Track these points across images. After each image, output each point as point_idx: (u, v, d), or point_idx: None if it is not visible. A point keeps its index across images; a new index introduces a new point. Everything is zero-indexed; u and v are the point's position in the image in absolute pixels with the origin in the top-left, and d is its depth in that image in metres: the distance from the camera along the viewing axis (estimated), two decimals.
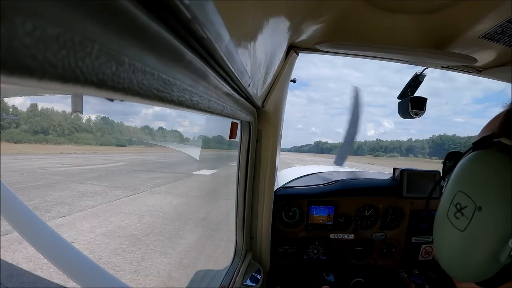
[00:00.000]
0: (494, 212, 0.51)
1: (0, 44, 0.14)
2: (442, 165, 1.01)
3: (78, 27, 0.18)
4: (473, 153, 0.60)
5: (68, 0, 0.17)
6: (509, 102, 0.63)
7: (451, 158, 0.80)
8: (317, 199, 1.90)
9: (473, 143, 0.63)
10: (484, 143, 0.59)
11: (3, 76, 0.15)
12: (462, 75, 1.46)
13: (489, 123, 0.67)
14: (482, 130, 0.68)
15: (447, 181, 0.66)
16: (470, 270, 0.55)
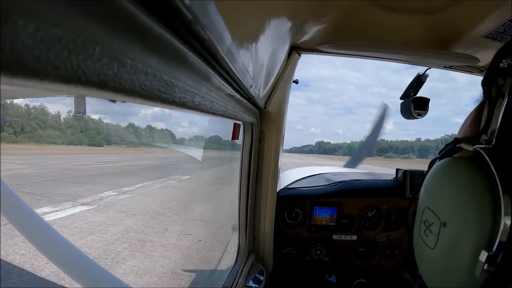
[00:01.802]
0: (458, 226, 0.48)
1: (2, 46, 0.14)
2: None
3: (81, 28, 0.18)
4: (437, 163, 0.57)
5: (70, 1, 0.17)
6: (481, 96, 0.58)
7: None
8: (320, 200, 1.90)
9: (439, 152, 0.59)
10: (449, 150, 0.56)
11: (6, 78, 0.15)
12: (462, 75, 1.46)
13: (464, 122, 0.63)
14: (460, 128, 0.64)
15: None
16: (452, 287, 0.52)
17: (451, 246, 0.49)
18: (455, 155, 0.56)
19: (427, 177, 0.59)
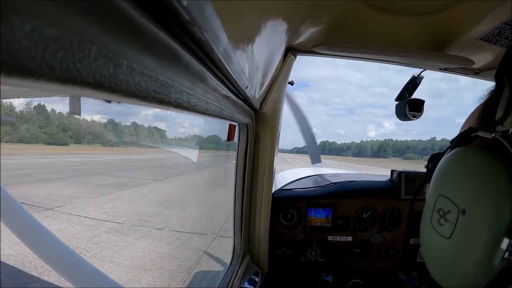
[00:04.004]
0: (479, 214, 0.46)
1: None
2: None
3: (77, 28, 0.18)
4: (450, 152, 0.56)
5: (67, 1, 0.17)
6: (486, 93, 0.60)
7: (433, 160, 0.73)
8: (315, 201, 1.90)
9: (451, 141, 0.58)
10: (462, 139, 0.55)
11: (2, 77, 0.15)
12: (464, 76, 1.47)
13: (467, 119, 0.64)
14: (463, 124, 0.65)
15: (428, 185, 0.61)
16: (464, 280, 0.50)
17: (470, 233, 0.48)
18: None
19: (440, 165, 0.57)
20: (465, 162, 0.51)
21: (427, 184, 0.63)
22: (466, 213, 0.48)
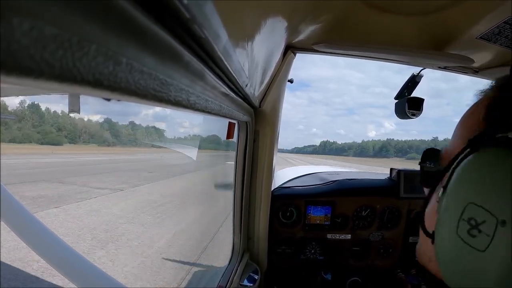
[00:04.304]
0: None
1: None
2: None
3: (76, 27, 0.18)
4: (477, 154, 0.49)
5: (67, 1, 0.17)
6: (486, 89, 0.56)
7: (431, 158, 0.67)
8: (314, 199, 1.90)
9: (470, 141, 0.51)
10: (486, 140, 0.48)
11: (1, 76, 0.15)
12: (464, 75, 1.47)
13: (466, 118, 0.58)
14: (460, 126, 0.59)
15: (443, 189, 0.54)
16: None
17: (510, 246, 0.43)
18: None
19: (464, 169, 0.51)
20: (501, 166, 0.46)
21: (442, 187, 0.55)
22: (507, 224, 0.43)
